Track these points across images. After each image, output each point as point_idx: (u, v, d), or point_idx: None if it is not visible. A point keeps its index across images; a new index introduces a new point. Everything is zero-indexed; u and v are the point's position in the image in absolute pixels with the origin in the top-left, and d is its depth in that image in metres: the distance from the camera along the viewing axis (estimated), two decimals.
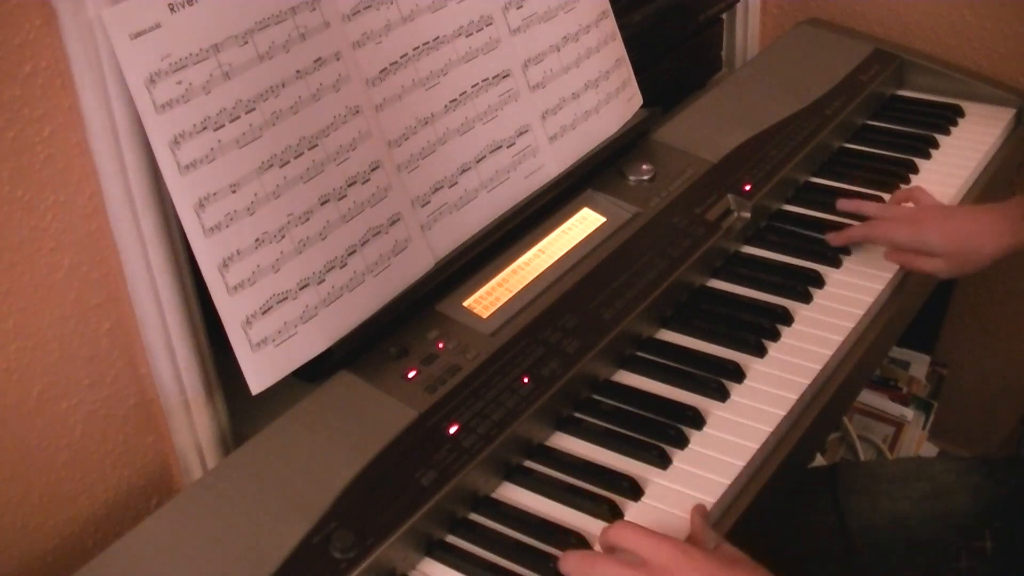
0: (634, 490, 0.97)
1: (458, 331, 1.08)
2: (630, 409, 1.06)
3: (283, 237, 0.99)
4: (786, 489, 1.09)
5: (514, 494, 0.98)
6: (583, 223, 1.24)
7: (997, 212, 1.18)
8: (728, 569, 0.83)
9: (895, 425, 1.76)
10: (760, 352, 1.12)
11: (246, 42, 0.96)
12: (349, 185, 1.04)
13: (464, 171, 1.16)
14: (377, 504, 0.91)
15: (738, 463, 0.99)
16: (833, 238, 1.26)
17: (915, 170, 1.44)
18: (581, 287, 1.14)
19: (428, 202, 1.12)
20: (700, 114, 1.46)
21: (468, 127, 1.16)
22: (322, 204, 1.02)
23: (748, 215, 1.28)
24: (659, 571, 0.82)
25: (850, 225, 1.27)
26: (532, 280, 1.15)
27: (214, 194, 0.94)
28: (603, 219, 1.25)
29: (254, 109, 0.96)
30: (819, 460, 1.64)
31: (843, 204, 1.30)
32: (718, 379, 1.08)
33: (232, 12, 0.95)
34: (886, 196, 1.37)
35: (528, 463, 1.01)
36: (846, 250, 1.28)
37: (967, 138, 1.52)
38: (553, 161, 1.26)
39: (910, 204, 1.28)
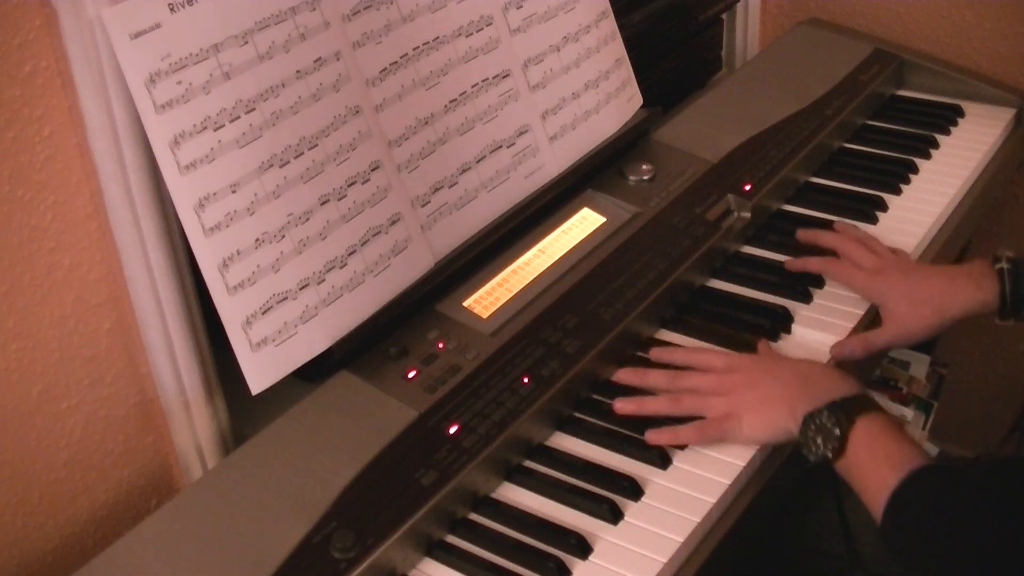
0: (634, 490, 0.97)
1: (458, 331, 1.08)
2: None
3: (283, 237, 0.99)
4: (788, 488, 1.09)
5: (514, 494, 0.98)
6: (583, 223, 1.24)
7: (957, 273, 1.15)
8: (777, 354, 1.07)
9: None
10: None
11: (246, 42, 0.96)
12: (349, 185, 1.04)
13: (464, 171, 1.16)
14: (377, 504, 0.91)
15: (739, 463, 0.99)
16: (791, 263, 1.23)
17: (915, 170, 1.44)
18: (581, 287, 1.14)
19: (428, 202, 1.12)
20: (700, 114, 1.46)
21: (468, 127, 1.16)
22: (322, 204, 1.02)
23: (748, 215, 1.28)
24: (729, 370, 1.03)
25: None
26: (532, 280, 1.15)
27: (214, 194, 0.94)
28: (603, 219, 1.25)
29: (254, 109, 0.96)
30: None
31: (802, 235, 1.27)
32: None
33: (232, 12, 0.95)
34: (887, 196, 1.37)
35: (528, 463, 1.01)
36: None
37: (967, 138, 1.52)
38: (553, 161, 1.26)
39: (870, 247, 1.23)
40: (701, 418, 1.01)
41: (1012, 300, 1.11)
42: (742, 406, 1.00)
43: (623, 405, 1.04)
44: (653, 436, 1.00)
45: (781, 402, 0.98)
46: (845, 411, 0.94)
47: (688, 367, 1.07)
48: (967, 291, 1.12)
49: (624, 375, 1.08)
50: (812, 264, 1.22)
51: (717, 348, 1.10)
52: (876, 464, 0.91)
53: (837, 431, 0.93)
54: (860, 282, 1.18)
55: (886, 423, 0.93)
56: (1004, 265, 1.11)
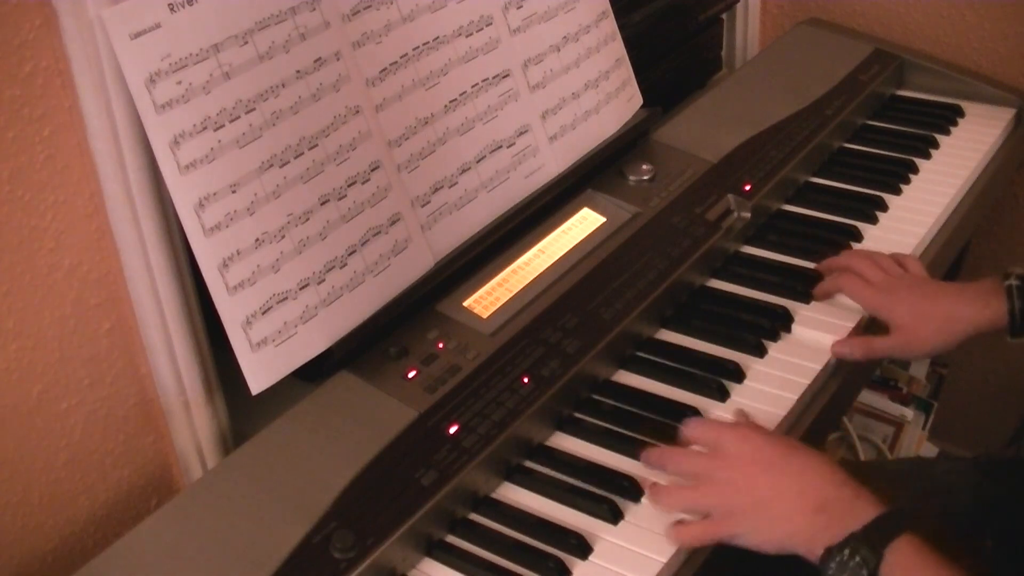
0: (634, 490, 0.96)
1: (458, 331, 1.08)
2: (630, 409, 1.06)
3: (283, 237, 0.99)
4: None
5: (514, 494, 0.98)
6: (583, 223, 1.24)
7: (966, 290, 1.14)
8: (782, 447, 0.93)
9: (895, 425, 1.76)
10: (760, 352, 1.12)
11: (246, 42, 0.96)
12: (349, 185, 1.04)
13: (464, 171, 1.16)
14: (377, 504, 0.91)
15: None
16: (816, 294, 1.20)
17: (915, 170, 1.44)
18: (581, 287, 1.14)
19: (428, 202, 1.12)
20: (700, 114, 1.46)
21: (468, 127, 1.16)
22: (322, 204, 1.02)
23: (748, 215, 1.28)
24: (724, 456, 0.93)
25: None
26: (532, 280, 1.15)
27: (214, 194, 0.94)
28: (603, 219, 1.25)
29: (254, 109, 0.96)
30: None
31: (820, 266, 1.24)
32: (718, 379, 1.08)
33: (232, 12, 0.95)
34: (887, 196, 1.37)
35: (528, 463, 1.01)
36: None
37: (967, 138, 1.52)
38: (553, 161, 1.26)
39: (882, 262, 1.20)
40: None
41: (1022, 318, 1.09)
42: (739, 514, 0.90)
43: (656, 496, 0.96)
44: (676, 533, 0.92)
45: (793, 530, 0.88)
46: (869, 544, 0.84)
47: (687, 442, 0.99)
48: (975, 308, 1.10)
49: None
50: (828, 285, 1.19)
51: (701, 421, 1.00)
52: None
53: (864, 572, 0.84)
54: (868, 297, 1.15)
55: (917, 548, 0.85)
56: (1013, 282, 1.09)
